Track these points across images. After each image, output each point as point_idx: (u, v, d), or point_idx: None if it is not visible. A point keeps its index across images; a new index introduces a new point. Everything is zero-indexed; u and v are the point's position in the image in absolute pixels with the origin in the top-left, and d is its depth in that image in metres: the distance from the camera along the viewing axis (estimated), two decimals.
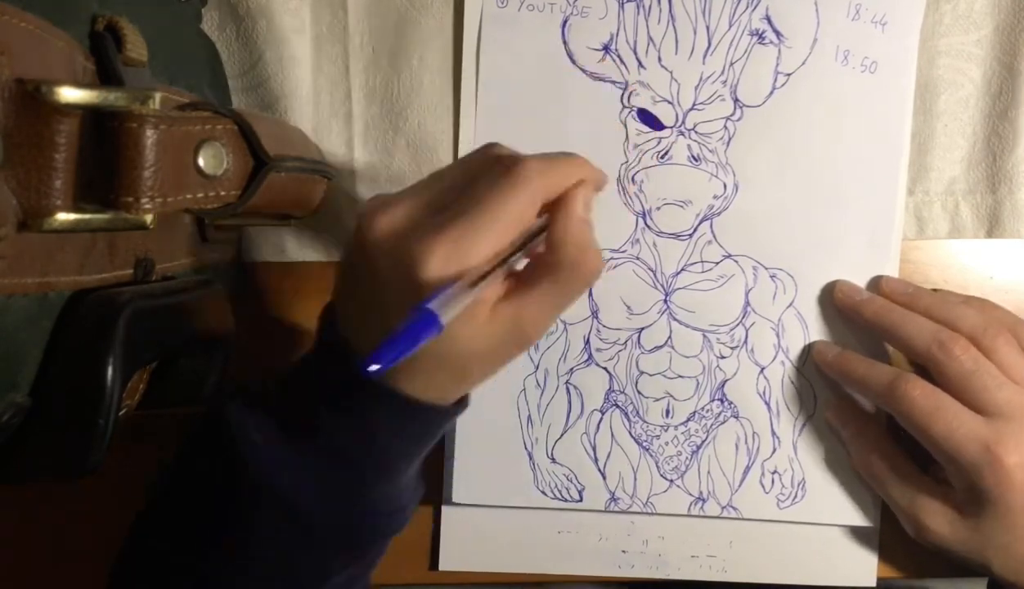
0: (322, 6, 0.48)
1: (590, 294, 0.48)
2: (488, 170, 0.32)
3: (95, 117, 0.28)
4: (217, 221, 0.40)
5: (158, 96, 0.29)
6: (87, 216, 0.28)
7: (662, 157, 0.48)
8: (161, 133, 0.29)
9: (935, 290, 0.48)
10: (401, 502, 0.36)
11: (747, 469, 0.48)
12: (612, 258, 0.48)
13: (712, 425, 0.48)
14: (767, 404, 0.48)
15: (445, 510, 0.49)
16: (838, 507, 0.48)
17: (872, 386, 0.44)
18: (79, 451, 0.28)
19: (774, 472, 0.48)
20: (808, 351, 0.48)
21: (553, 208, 0.33)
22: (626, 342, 0.48)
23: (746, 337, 0.48)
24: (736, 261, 0.48)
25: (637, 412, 0.48)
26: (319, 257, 0.50)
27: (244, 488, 0.33)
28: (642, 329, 0.48)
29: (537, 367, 0.49)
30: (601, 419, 0.49)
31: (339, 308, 0.34)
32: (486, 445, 0.48)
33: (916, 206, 0.48)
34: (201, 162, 0.32)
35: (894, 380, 0.43)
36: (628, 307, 0.48)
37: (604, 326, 0.48)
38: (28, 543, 0.51)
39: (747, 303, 0.48)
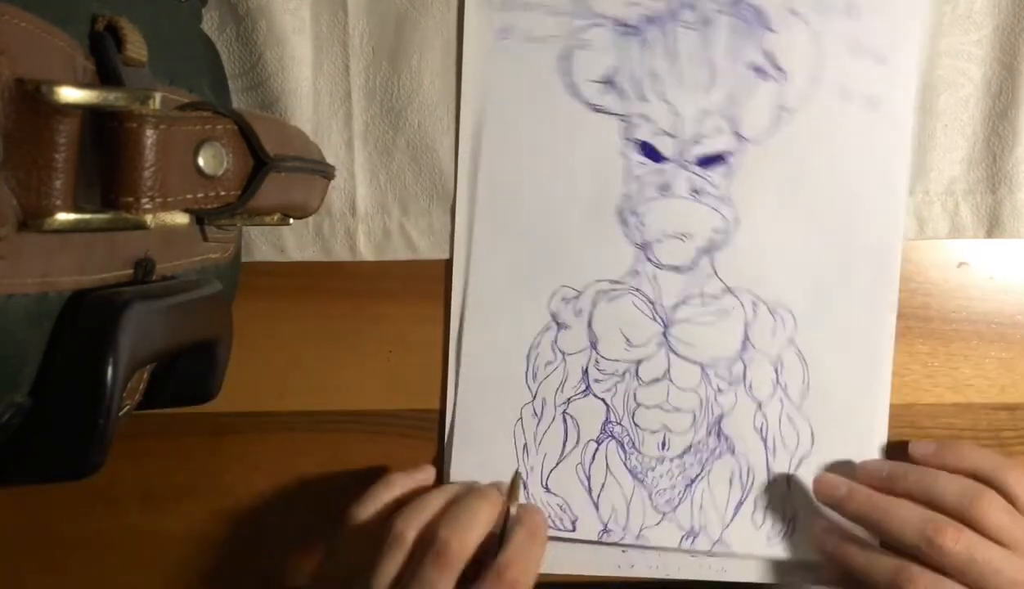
0: (322, 6, 0.48)
1: (589, 324, 0.48)
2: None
3: (95, 117, 0.28)
4: (217, 221, 0.40)
5: (158, 96, 0.29)
6: (87, 216, 0.28)
7: (663, 190, 0.48)
8: (161, 133, 0.29)
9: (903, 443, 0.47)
10: None
11: (739, 504, 0.48)
12: (612, 289, 0.48)
13: (707, 459, 0.48)
14: (763, 440, 0.48)
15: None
16: None
17: (874, 579, 0.43)
18: (79, 451, 0.28)
19: (766, 507, 0.48)
20: (808, 388, 0.48)
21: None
22: (624, 374, 0.48)
23: (744, 372, 0.48)
24: (736, 296, 0.48)
25: (633, 444, 0.49)
26: (319, 257, 0.50)
27: None
28: (640, 361, 0.48)
29: (535, 396, 0.49)
30: (597, 450, 0.49)
31: None
32: (482, 473, 0.49)
33: (916, 206, 0.48)
34: (201, 162, 0.32)
35: (897, 575, 0.42)
36: (627, 339, 0.48)
37: (603, 357, 0.48)
38: (28, 543, 0.51)
39: (746, 338, 0.48)
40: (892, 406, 0.48)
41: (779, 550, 0.48)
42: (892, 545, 0.44)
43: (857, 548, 0.45)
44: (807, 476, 0.48)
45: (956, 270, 0.49)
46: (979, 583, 0.41)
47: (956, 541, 0.41)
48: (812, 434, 0.48)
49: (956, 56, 0.48)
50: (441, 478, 0.50)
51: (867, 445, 0.48)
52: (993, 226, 0.48)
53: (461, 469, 0.49)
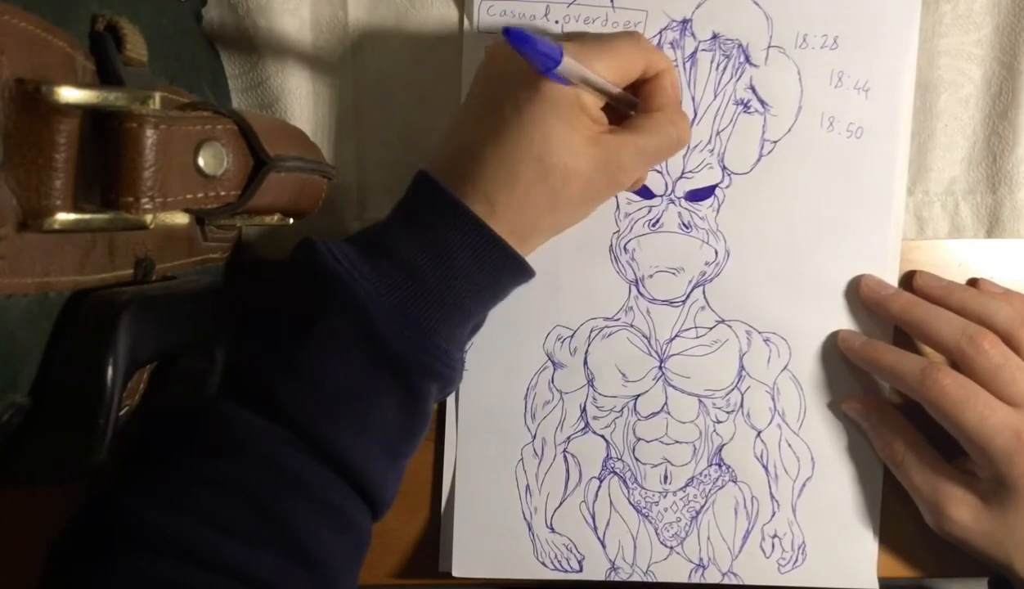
0: (322, 6, 0.48)
1: (585, 362, 0.48)
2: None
3: (95, 117, 0.28)
4: (217, 221, 0.40)
5: (158, 96, 0.29)
6: (87, 216, 0.28)
7: (653, 225, 0.48)
8: (161, 133, 0.29)
9: (974, 279, 0.48)
10: (452, 359, 0.39)
11: (747, 534, 0.48)
12: (606, 326, 0.48)
13: (711, 490, 0.49)
14: (765, 468, 0.48)
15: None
16: (839, 570, 0.48)
17: (902, 375, 0.44)
18: (79, 451, 0.28)
19: (774, 536, 0.48)
20: (805, 413, 0.48)
21: (651, 79, 0.42)
22: (622, 409, 0.49)
23: (742, 401, 0.48)
24: (729, 326, 0.48)
25: (635, 478, 0.49)
26: None
27: (324, 298, 0.37)
28: (638, 396, 0.49)
29: (534, 436, 0.49)
30: (599, 487, 0.49)
31: (440, 151, 0.41)
32: (485, 517, 0.49)
33: (916, 206, 0.48)
34: (201, 162, 0.32)
35: (925, 368, 0.43)
36: (623, 374, 0.49)
37: (600, 394, 0.49)
38: (28, 543, 0.51)
39: (742, 368, 0.48)
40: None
41: (791, 579, 0.48)
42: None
43: (884, 347, 0.46)
44: (812, 502, 0.48)
45: (956, 270, 0.49)
46: (1004, 389, 0.42)
47: (994, 345, 0.43)
48: (812, 458, 0.48)
49: (956, 56, 0.48)
50: (439, 520, 0.49)
51: (868, 462, 0.48)
52: (993, 226, 0.48)
53: (464, 514, 0.49)
